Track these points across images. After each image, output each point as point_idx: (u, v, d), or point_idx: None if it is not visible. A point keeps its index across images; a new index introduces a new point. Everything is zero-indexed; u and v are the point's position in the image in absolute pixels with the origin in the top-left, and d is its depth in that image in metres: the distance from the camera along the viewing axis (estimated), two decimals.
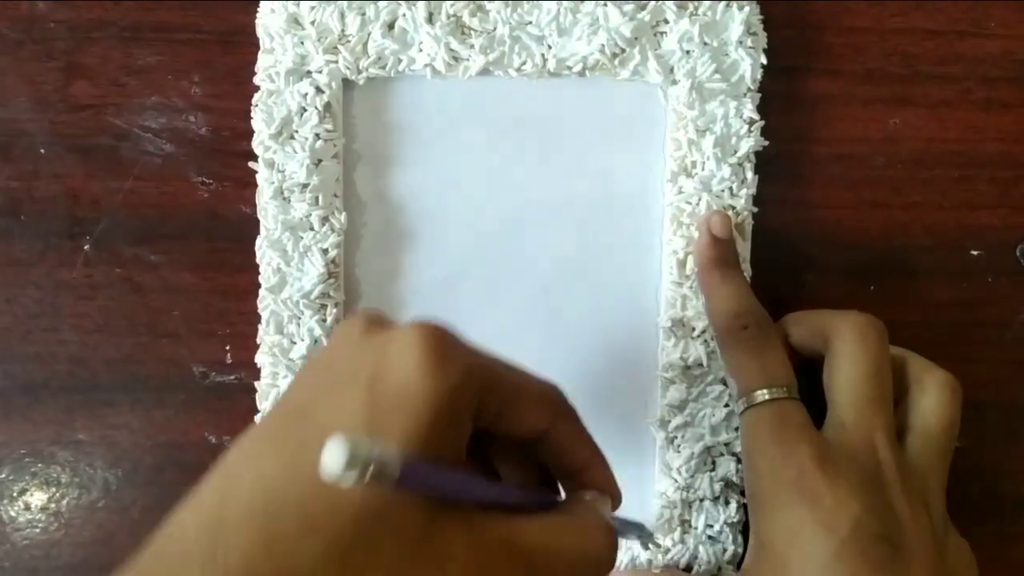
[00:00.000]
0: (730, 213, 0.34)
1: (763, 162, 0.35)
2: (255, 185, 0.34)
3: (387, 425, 0.21)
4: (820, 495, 0.28)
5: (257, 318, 0.34)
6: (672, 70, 0.33)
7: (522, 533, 0.22)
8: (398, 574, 0.20)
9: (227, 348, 0.35)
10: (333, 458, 0.18)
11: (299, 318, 0.33)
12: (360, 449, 0.18)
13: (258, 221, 0.34)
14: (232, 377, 0.35)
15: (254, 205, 0.34)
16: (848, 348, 0.31)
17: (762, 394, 0.30)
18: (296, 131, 0.33)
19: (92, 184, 0.35)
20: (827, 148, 0.36)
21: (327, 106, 0.33)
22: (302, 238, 0.33)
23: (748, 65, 0.33)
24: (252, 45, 0.34)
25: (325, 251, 0.33)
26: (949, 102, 0.36)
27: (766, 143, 0.34)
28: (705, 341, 0.34)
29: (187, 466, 0.36)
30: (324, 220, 0.33)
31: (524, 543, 0.22)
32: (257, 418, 0.34)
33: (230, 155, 0.35)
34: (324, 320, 0.34)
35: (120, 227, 0.35)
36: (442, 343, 0.22)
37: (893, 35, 0.36)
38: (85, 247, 0.35)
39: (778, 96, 0.35)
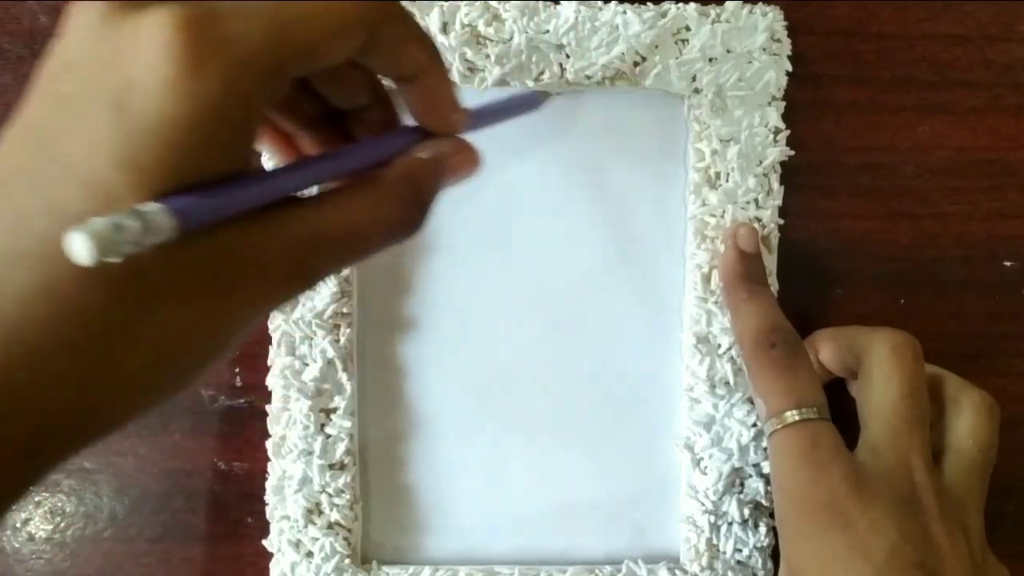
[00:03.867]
0: (756, 225, 0.33)
1: (789, 172, 0.34)
2: None
3: (143, 161, 0.17)
4: (854, 520, 0.27)
5: (268, 339, 0.33)
6: (694, 78, 0.32)
7: (328, 220, 0.20)
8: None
9: (236, 371, 0.34)
10: (81, 252, 0.16)
11: (311, 339, 0.32)
12: (109, 232, 0.16)
13: None
14: (242, 401, 0.34)
15: None
16: (882, 367, 0.29)
17: (792, 415, 0.29)
18: None
19: None
20: (855, 157, 0.35)
21: None
22: None
23: (773, 72, 0.32)
24: None
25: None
26: (979, 109, 0.35)
27: (792, 153, 0.33)
28: (731, 358, 0.33)
29: (196, 494, 0.35)
30: None
31: (330, 232, 0.20)
32: (268, 444, 0.33)
33: None
34: (337, 340, 0.32)
35: None
36: (199, 41, 0.18)
37: (921, 41, 0.35)
38: None
39: (804, 104, 0.34)
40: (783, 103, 0.33)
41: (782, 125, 0.33)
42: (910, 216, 0.35)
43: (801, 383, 0.30)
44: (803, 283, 0.35)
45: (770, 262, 0.33)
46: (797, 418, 0.29)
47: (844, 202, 0.35)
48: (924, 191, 0.35)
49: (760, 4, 0.33)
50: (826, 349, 0.32)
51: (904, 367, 0.29)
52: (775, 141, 0.33)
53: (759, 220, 0.33)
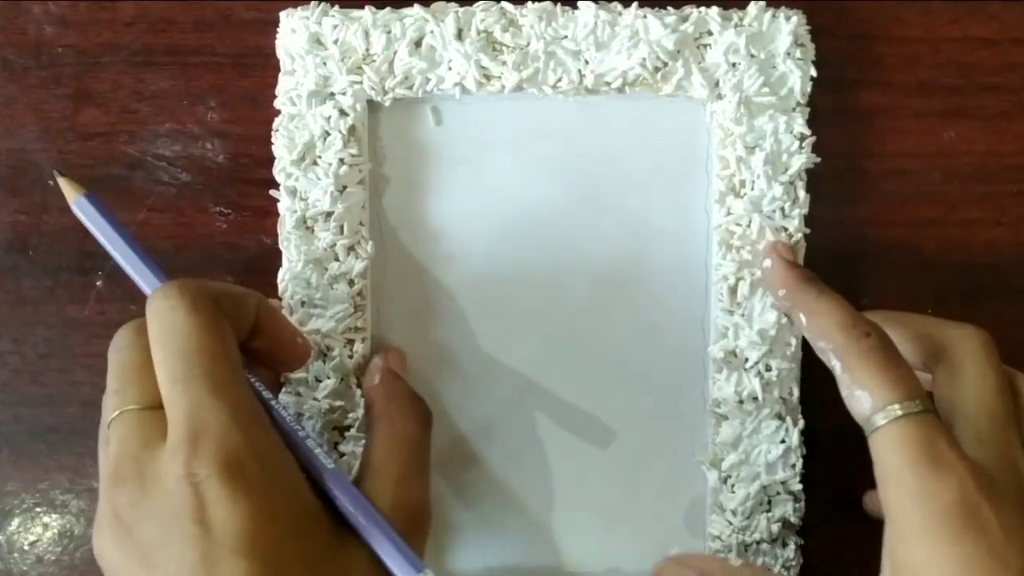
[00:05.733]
0: (782, 235, 0.32)
1: (813, 179, 0.33)
2: (275, 214, 0.32)
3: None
4: (987, 521, 0.25)
5: None
6: (717, 84, 0.31)
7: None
8: None
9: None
10: None
11: (326, 354, 0.31)
12: None
13: (279, 252, 0.32)
14: None
15: (275, 235, 0.32)
16: (977, 362, 0.28)
17: (903, 407, 0.27)
18: (319, 156, 0.31)
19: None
20: (880, 164, 0.34)
21: (351, 129, 0.31)
22: (327, 269, 0.31)
23: (797, 78, 0.31)
24: (270, 67, 0.32)
25: (351, 282, 0.31)
26: (1006, 113, 0.34)
27: (818, 159, 0.32)
28: (759, 372, 0.32)
29: None
30: (350, 250, 0.31)
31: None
32: None
33: (249, 183, 0.33)
34: (351, 356, 0.32)
35: None
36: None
37: (946, 44, 0.34)
38: (97, 283, 0.34)
39: (827, 110, 0.33)
40: (808, 109, 0.32)
41: (808, 131, 0.32)
42: (937, 223, 0.34)
43: (905, 372, 0.28)
44: None
45: None
46: (910, 410, 0.27)
47: (869, 209, 0.34)
48: (951, 197, 0.34)
49: (783, 8, 0.32)
50: (893, 336, 0.30)
51: (996, 363, 0.29)
52: (801, 148, 0.32)
53: (786, 229, 0.32)
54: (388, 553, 0.25)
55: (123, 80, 0.33)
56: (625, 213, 0.33)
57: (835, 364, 0.29)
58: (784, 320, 0.32)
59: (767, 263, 0.31)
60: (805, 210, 0.32)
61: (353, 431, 0.32)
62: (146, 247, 0.27)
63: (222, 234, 0.34)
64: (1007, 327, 0.34)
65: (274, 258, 0.32)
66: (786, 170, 0.32)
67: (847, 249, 0.34)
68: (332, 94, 0.31)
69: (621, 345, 0.33)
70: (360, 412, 0.32)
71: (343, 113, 0.31)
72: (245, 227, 0.33)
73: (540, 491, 0.34)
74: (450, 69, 0.31)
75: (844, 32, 0.34)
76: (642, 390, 0.34)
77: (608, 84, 0.31)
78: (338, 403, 0.32)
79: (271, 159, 0.32)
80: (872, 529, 0.32)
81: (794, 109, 0.31)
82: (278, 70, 0.32)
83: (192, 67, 0.33)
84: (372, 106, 0.32)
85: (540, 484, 0.34)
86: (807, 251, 0.32)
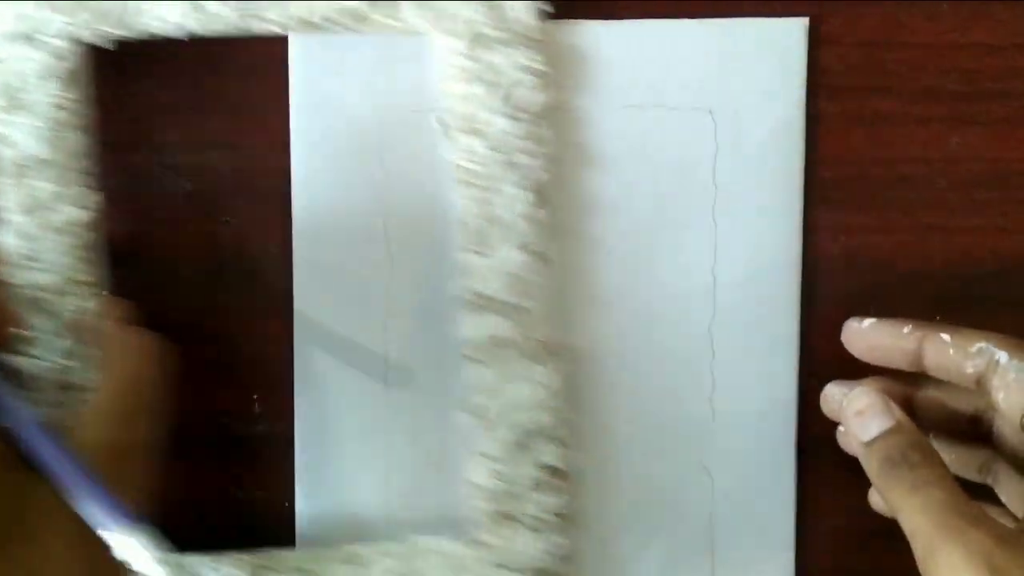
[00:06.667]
0: (521, 173, 0.31)
1: (817, 187, 0.33)
2: (284, 224, 0.32)
3: None
4: None
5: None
6: (443, 17, 0.30)
7: None
8: None
9: (254, 397, 0.33)
10: None
11: (47, 311, 0.30)
12: None
13: (288, 262, 0.32)
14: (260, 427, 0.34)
15: (280, 243, 0.32)
16: None
17: None
18: (29, 100, 0.30)
19: (109, 226, 0.32)
20: (885, 170, 0.34)
21: (68, 73, 0.30)
22: (46, 220, 0.30)
23: (523, 8, 0.31)
24: (279, 76, 0.32)
25: (74, 234, 0.30)
26: (1011, 119, 0.34)
27: (543, 98, 0.31)
28: (509, 314, 0.31)
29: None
30: (70, 199, 0.30)
31: None
32: None
33: (256, 192, 0.33)
34: (75, 311, 0.30)
35: (139, 270, 0.33)
36: None
37: (951, 51, 0.34)
38: (101, 293, 0.32)
39: (832, 117, 0.33)
40: (540, 42, 0.31)
41: (541, 67, 0.31)
42: (942, 229, 0.34)
43: None
44: (832, 303, 0.34)
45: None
46: None
47: (874, 216, 0.34)
48: (956, 204, 0.34)
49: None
50: (950, 348, 0.30)
51: None
52: (533, 83, 0.31)
53: (523, 170, 0.31)
54: (78, 495, 0.25)
55: (130, 89, 0.32)
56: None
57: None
58: (531, 260, 0.32)
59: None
60: (545, 148, 0.31)
61: (81, 392, 0.30)
62: None
63: (228, 242, 0.33)
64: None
65: (283, 267, 0.32)
66: (521, 107, 0.31)
67: (852, 256, 0.34)
68: (37, 36, 0.30)
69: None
70: (87, 371, 0.30)
71: (56, 56, 0.30)
72: (251, 236, 0.33)
73: None
74: (169, 9, 0.30)
75: (848, 40, 0.33)
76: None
77: (330, 20, 0.30)
78: (63, 361, 0.30)
79: (280, 168, 0.32)
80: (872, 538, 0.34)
81: (526, 44, 0.31)
82: (287, 79, 0.32)
83: (199, 76, 0.32)
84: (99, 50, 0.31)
85: None
86: (807, 259, 0.33)
